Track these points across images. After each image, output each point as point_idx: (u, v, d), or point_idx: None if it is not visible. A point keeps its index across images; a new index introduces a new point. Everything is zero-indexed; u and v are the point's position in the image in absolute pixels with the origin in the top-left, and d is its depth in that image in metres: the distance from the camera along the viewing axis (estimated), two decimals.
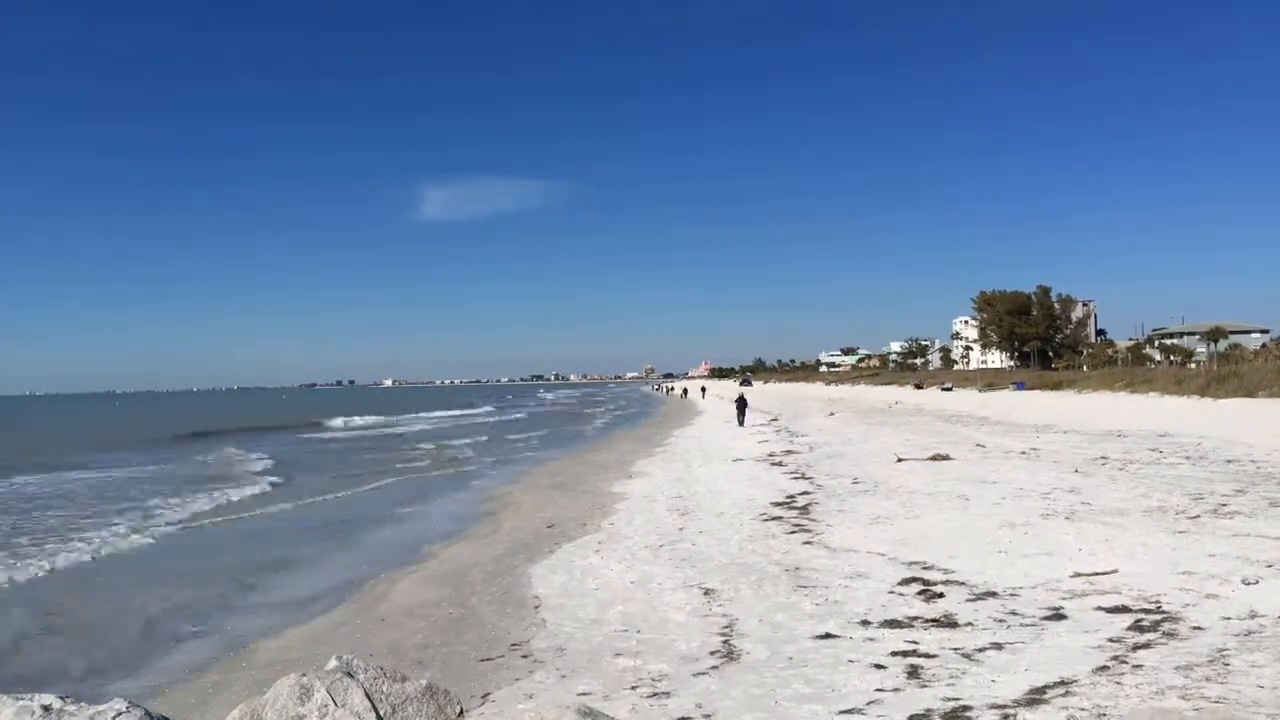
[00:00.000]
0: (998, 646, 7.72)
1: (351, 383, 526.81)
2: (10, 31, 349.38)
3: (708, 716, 6.54)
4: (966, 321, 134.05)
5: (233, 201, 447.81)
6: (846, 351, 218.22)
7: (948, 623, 8.59)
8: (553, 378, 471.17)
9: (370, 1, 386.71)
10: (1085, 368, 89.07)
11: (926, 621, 8.67)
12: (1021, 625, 8.35)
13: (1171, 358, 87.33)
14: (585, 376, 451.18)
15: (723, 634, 8.82)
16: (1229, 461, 20.02)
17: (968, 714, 6.11)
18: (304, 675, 3.60)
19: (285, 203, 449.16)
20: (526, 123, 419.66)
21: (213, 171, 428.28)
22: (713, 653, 8.23)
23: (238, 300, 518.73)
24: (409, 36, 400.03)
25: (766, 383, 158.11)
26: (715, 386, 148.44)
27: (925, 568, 10.99)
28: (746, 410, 44.06)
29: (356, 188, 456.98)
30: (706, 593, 10.54)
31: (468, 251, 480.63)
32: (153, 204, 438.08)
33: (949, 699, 6.45)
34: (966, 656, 7.50)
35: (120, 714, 3.38)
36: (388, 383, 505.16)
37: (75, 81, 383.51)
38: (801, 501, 17.21)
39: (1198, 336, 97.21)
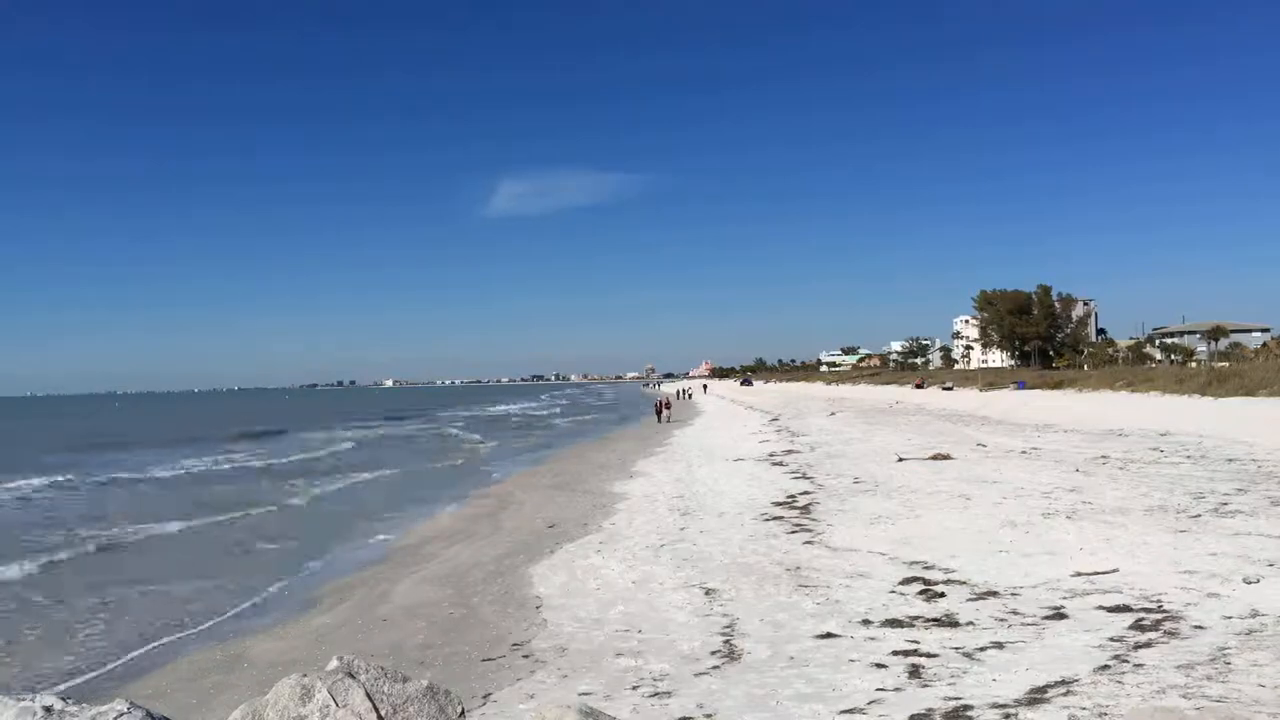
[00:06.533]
0: (999, 646, 7.71)
1: (352, 383, 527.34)
2: (22, 33, 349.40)
3: (709, 716, 6.54)
4: (967, 321, 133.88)
5: (248, 203, 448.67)
6: (847, 351, 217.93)
7: (949, 622, 8.58)
8: (553, 378, 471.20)
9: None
10: (1086, 367, 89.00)
11: (928, 621, 8.67)
12: (1023, 624, 8.35)
13: (1172, 357, 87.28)
14: (586, 376, 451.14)
15: (724, 634, 8.82)
16: (1230, 460, 20.01)
17: (969, 713, 6.11)
18: (305, 676, 3.60)
19: (311, 204, 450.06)
20: (572, 118, 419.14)
21: (219, 174, 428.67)
22: (714, 652, 8.23)
23: (237, 301, 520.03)
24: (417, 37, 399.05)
25: (768, 382, 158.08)
26: (716, 386, 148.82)
27: (926, 567, 10.98)
28: (691, 393, 74.51)
29: (387, 187, 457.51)
30: (708, 593, 10.54)
31: (517, 250, 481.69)
32: (152, 206, 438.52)
33: (950, 698, 6.44)
34: (968, 656, 7.49)
35: (122, 714, 3.38)
36: (388, 383, 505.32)
37: (77, 83, 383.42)
38: (802, 501, 17.21)
39: (1198, 335, 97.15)
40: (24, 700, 3.49)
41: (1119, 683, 6.43)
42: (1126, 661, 6.95)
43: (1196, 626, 7.79)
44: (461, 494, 24.48)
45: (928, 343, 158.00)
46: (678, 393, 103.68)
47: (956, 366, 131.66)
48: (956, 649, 7.70)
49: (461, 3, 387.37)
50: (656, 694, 7.13)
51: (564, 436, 50.63)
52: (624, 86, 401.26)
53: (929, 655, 7.58)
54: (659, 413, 54.57)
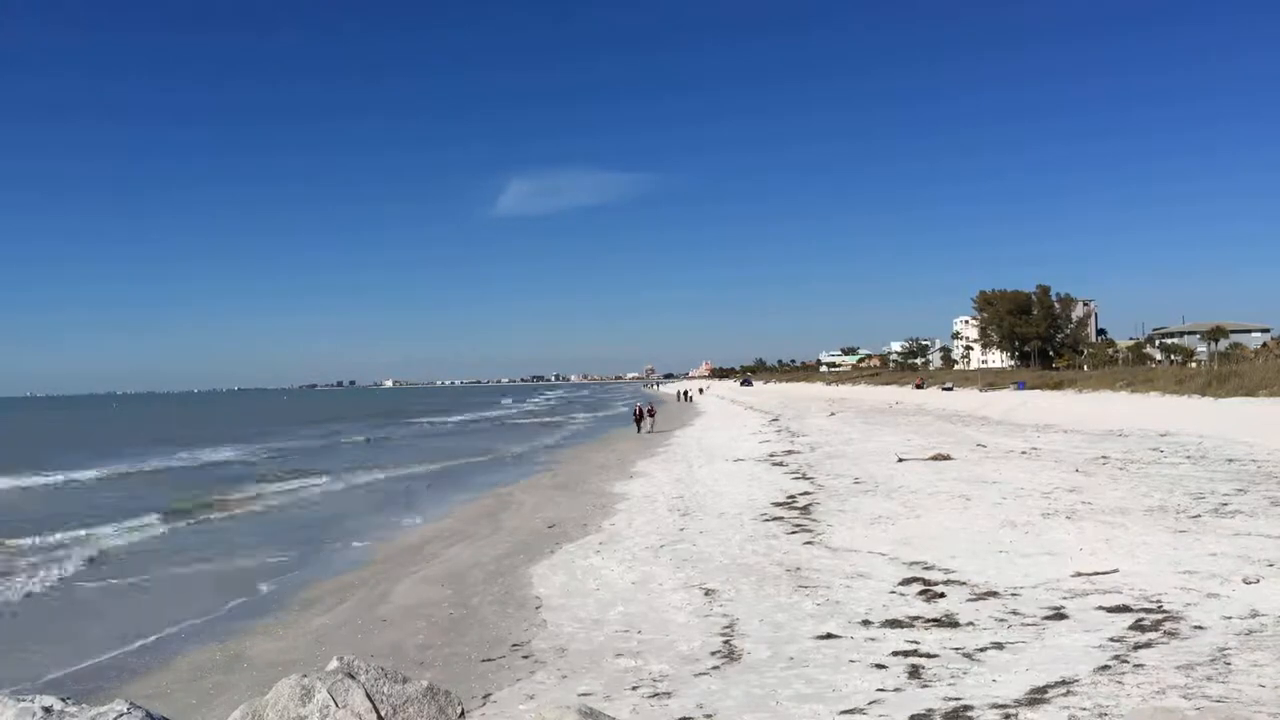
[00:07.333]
0: (999, 646, 7.71)
1: (352, 383, 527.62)
2: (23, 34, 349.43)
3: (709, 717, 6.54)
4: (967, 321, 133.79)
5: (248, 203, 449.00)
6: (847, 351, 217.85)
7: (949, 622, 8.58)
8: (553, 378, 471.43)
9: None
10: (1086, 367, 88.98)
11: (928, 621, 8.67)
12: (1023, 625, 8.35)
13: (1172, 357, 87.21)
14: (586, 377, 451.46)
15: (724, 634, 8.82)
16: (1230, 461, 20.01)
17: (969, 714, 6.11)
18: (305, 676, 3.60)
19: (311, 204, 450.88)
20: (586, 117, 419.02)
21: (219, 174, 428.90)
22: (714, 653, 8.23)
23: (237, 301, 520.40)
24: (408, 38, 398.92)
25: (767, 382, 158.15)
26: (716, 387, 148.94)
27: (926, 567, 10.98)
28: (691, 396, 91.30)
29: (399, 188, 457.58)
30: (707, 593, 10.53)
31: (520, 250, 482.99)
32: (152, 206, 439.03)
33: (950, 699, 6.44)
34: (968, 656, 7.49)
35: (122, 715, 3.38)
36: (388, 383, 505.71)
37: (77, 83, 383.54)
38: (802, 502, 17.21)
39: (1198, 336, 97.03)
40: (24, 700, 3.50)
41: (1119, 683, 6.43)
42: (1126, 662, 6.95)
43: (1196, 627, 7.79)
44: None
45: (928, 343, 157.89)
46: (678, 394, 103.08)
47: (956, 367, 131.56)
48: (956, 649, 7.70)
49: (463, 3, 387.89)
50: (656, 694, 7.13)
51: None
52: (625, 86, 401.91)
53: (929, 656, 7.58)
54: (638, 422, 44.83)
